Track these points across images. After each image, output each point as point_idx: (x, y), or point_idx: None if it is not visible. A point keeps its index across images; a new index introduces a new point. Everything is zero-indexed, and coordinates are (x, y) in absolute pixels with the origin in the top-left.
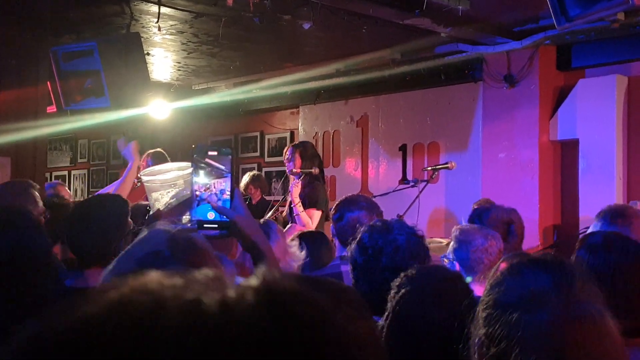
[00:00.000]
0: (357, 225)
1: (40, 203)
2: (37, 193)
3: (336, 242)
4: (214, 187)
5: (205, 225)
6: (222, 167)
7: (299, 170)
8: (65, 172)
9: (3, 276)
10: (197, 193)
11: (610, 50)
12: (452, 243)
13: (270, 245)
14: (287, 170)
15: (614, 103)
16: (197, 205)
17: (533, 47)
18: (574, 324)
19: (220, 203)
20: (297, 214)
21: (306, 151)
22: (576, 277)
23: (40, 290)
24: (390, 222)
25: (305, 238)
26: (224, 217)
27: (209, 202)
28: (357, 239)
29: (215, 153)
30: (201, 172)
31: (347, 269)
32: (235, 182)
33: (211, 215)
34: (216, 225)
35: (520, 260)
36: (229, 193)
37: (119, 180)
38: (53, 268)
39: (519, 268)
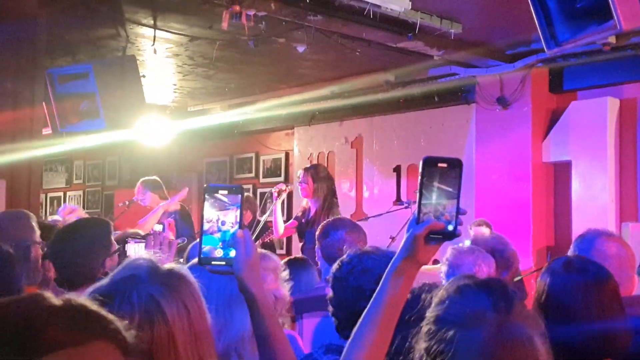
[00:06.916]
0: (341, 242)
1: (38, 233)
2: (34, 224)
3: (321, 265)
4: (219, 219)
5: (213, 262)
6: (227, 200)
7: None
8: (61, 193)
9: None
10: (205, 226)
11: (602, 72)
12: (443, 265)
13: (265, 294)
14: (301, 194)
15: (606, 125)
16: (201, 236)
17: (525, 69)
18: (505, 345)
19: (219, 235)
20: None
21: (318, 174)
22: (515, 301)
23: None
24: (372, 249)
25: (290, 263)
26: (230, 254)
27: (212, 234)
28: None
29: (225, 192)
30: (208, 205)
31: None
32: (244, 225)
33: (219, 253)
34: (224, 263)
35: (466, 282)
36: (232, 225)
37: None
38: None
39: (462, 288)
